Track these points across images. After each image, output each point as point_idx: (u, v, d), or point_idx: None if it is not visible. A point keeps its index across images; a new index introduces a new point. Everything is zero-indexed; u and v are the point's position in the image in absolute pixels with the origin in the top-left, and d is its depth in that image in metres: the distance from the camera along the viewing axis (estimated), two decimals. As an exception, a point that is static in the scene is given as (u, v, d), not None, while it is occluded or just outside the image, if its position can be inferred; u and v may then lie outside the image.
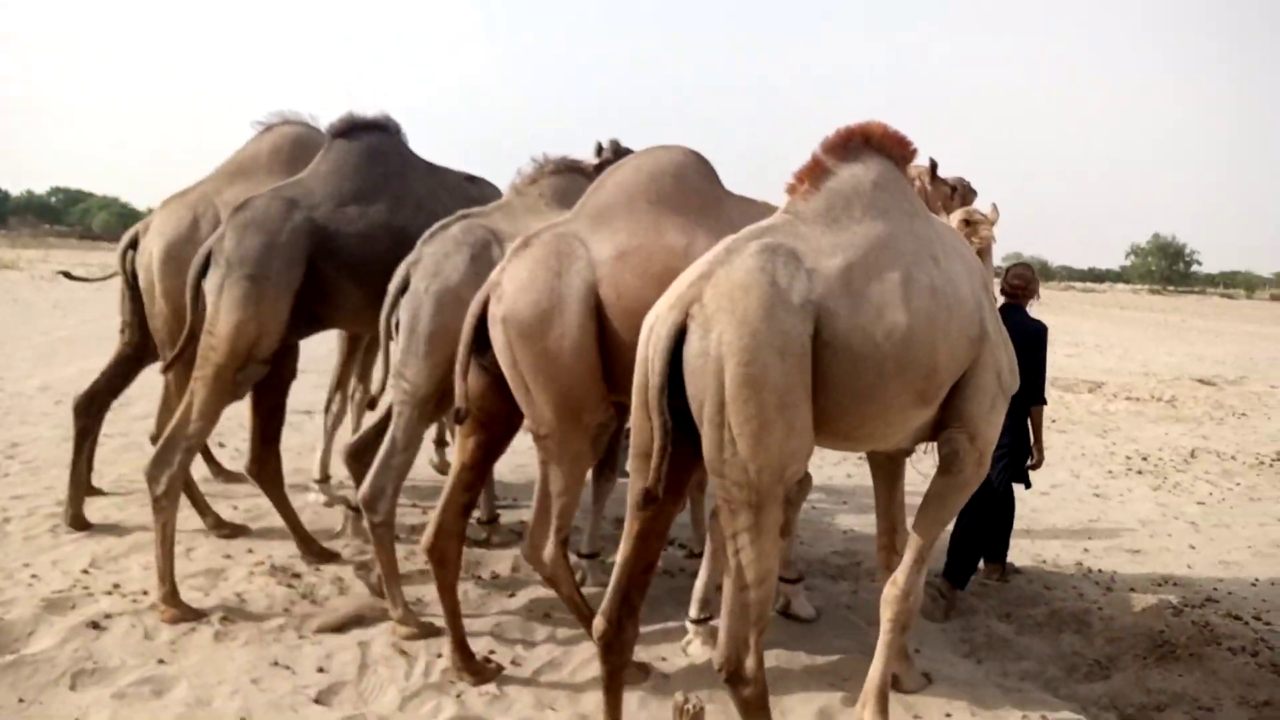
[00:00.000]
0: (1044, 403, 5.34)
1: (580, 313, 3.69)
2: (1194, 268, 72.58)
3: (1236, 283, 72.20)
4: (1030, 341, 5.00)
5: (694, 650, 4.31)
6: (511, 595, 4.87)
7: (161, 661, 3.97)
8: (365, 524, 4.41)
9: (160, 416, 5.63)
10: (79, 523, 5.40)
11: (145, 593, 4.58)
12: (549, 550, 4.01)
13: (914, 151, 3.64)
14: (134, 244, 5.25)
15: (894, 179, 3.50)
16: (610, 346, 3.73)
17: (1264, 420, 12.41)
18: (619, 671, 3.40)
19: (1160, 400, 13.33)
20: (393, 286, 4.22)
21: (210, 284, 4.51)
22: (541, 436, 3.81)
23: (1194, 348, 22.14)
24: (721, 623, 3.19)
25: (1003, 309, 4.85)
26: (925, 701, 4.02)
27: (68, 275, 6.41)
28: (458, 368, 3.75)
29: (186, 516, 5.71)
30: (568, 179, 4.57)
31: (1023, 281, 5.36)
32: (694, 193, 4.01)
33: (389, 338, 4.27)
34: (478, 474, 4.05)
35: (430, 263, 4.17)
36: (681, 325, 3.04)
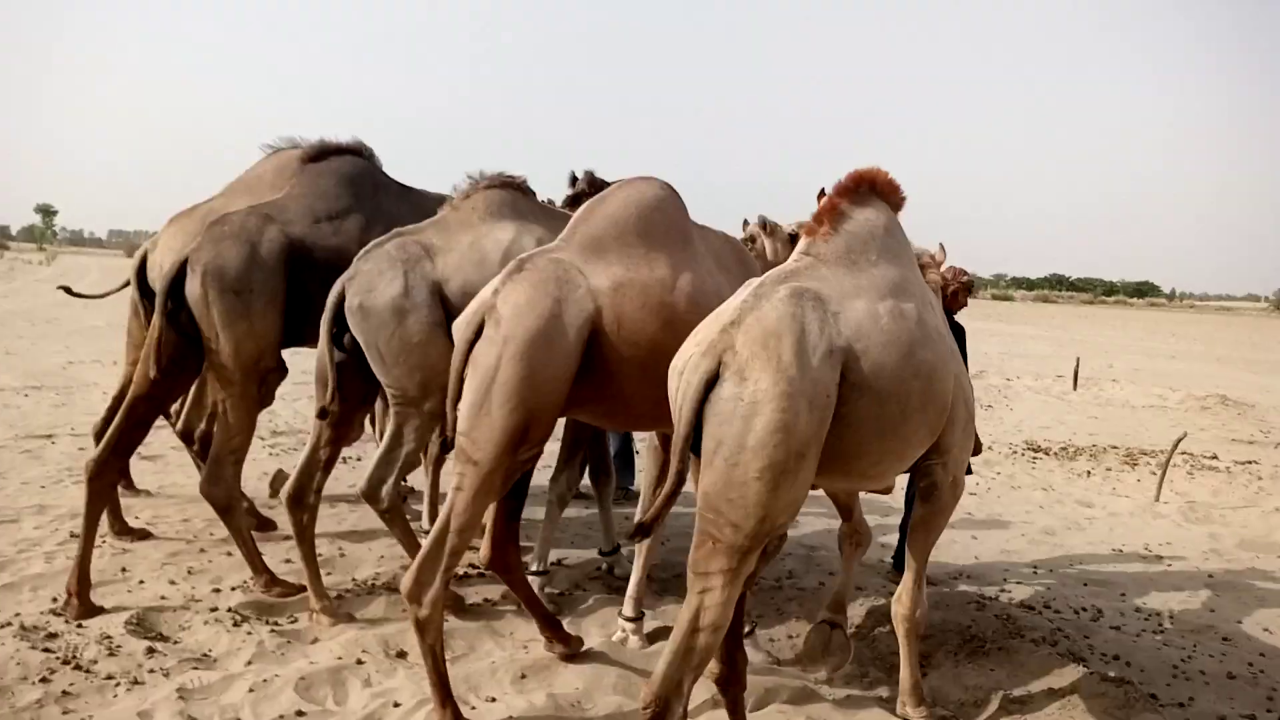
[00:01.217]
0: None
1: (576, 340, 3.74)
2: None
3: (961, 283, 78.91)
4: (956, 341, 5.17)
5: (632, 643, 4.57)
6: (314, 642, 4.39)
7: (-116, 759, 3.27)
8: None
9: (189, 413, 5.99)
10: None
11: None
12: (433, 591, 3.67)
13: (904, 199, 3.85)
14: (145, 260, 5.25)
15: (896, 225, 3.75)
16: (607, 375, 3.83)
17: (1007, 412, 13.52)
18: (739, 699, 3.50)
19: (918, 395, 14.23)
20: (330, 300, 4.38)
21: (191, 293, 4.63)
22: (470, 461, 3.64)
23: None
24: (660, 662, 3.09)
25: None
26: (759, 717, 3.96)
27: (68, 290, 6.32)
28: (449, 398, 3.75)
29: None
30: (501, 194, 4.74)
31: (964, 291, 5.66)
32: (674, 226, 4.19)
33: (330, 347, 4.39)
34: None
35: (364, 279, 4.34)
36: (713, 373, 3.04)
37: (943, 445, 3.69)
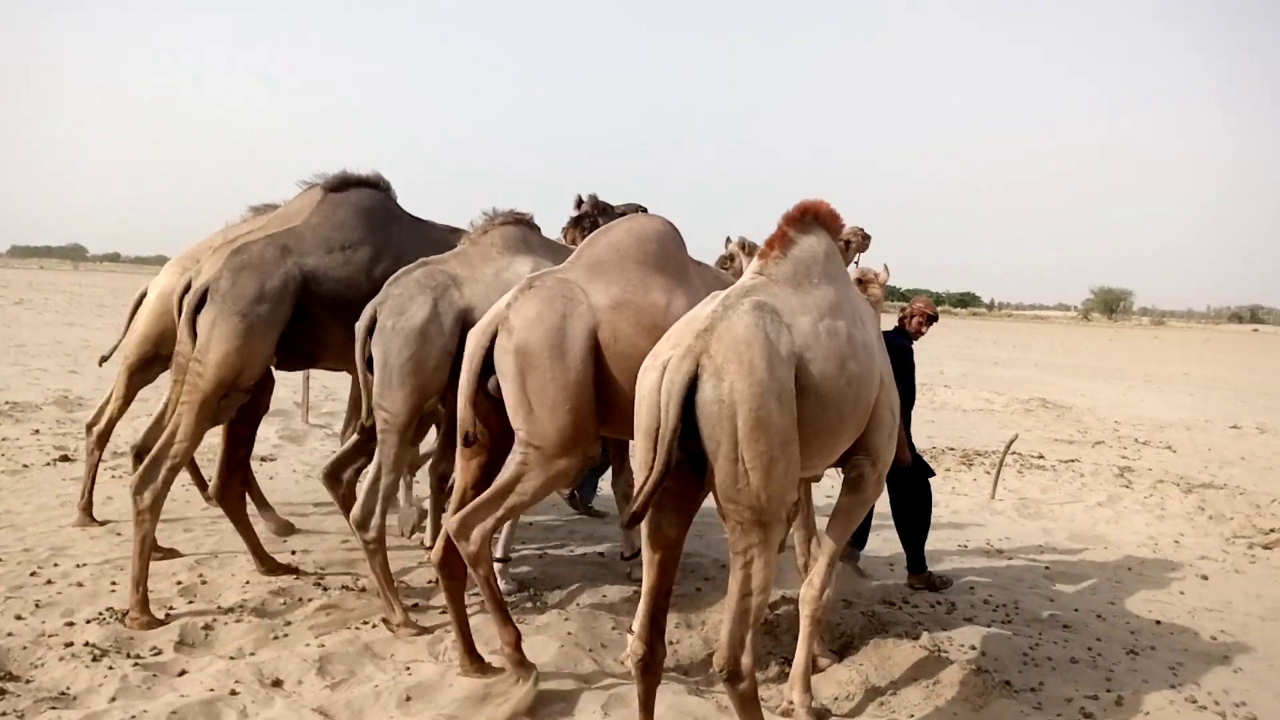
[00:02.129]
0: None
1: (583, 350, 4.07)
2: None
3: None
4: (900, 357, 5.64)
5: None
6: (181, 675, 4.19)
7: None
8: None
9: (150, 431, 5.81)
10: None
11: None
12: (479, 532, 4.11)
13: (843, 226, 4.26)
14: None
15: (834, 251, 4.13)
16: (602, 385, 4.12)
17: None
18: (654, 688, 3.67)
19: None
20: (361, 325, 4.74)
21: (204, 318, 4.89)
22: (534, 446, 4.03)
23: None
24: (723, 629, 3.49)
25: (887, 333, 5.60)
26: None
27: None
28: (462, 396, 4.16)
29: None
30: (515, 230, 5.17)
31: (922, 321, 6.23)
32: (671, 258, 4.54)
33: (365, 372, 4.72)
34: (480, 492, 4.26)
35: (395, 303, 4.69)
36: (693, 374, 3.38)
37: (871, 445, 4.13)
